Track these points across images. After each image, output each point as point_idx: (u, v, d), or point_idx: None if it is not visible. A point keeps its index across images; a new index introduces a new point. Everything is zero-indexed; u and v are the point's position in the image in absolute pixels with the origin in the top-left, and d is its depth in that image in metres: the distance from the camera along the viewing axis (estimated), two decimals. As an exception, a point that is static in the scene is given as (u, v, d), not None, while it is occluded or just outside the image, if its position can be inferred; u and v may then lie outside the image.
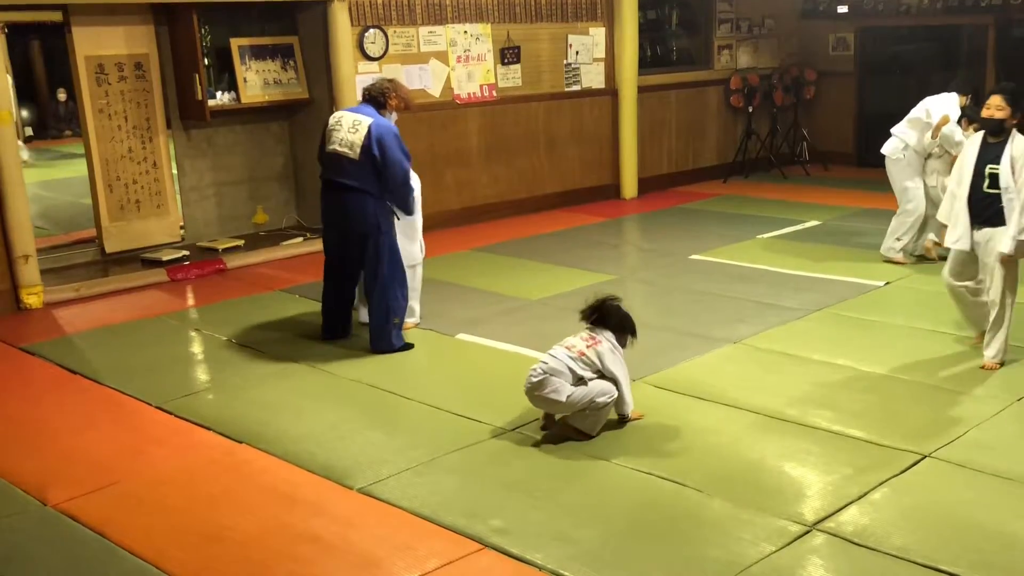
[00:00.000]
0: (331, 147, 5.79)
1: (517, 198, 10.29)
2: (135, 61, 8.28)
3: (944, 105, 7.33)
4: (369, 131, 5.67)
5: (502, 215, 10.08)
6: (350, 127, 5.74)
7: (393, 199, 5.81)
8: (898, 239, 7.56)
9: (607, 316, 4.72)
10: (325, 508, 4.06)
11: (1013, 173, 5.11)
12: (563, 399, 4.51)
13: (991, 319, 5.34)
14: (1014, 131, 5.22)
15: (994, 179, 5.16)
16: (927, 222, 7.50)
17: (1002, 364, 5.34)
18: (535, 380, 4.56)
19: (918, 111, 7.45)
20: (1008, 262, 5.23)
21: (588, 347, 4.61)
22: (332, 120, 5.89)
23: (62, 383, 5.71)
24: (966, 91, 7.42)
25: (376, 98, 5.84)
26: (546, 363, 4.58)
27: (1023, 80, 11.29)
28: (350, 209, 5.80)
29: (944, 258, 5.68)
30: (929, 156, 7.45)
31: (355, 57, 8.89)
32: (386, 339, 5.90)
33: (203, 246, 8.76)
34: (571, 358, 4.57)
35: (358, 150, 5.68)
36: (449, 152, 9.68)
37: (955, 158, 7.14)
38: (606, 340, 4.66)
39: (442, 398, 5.18)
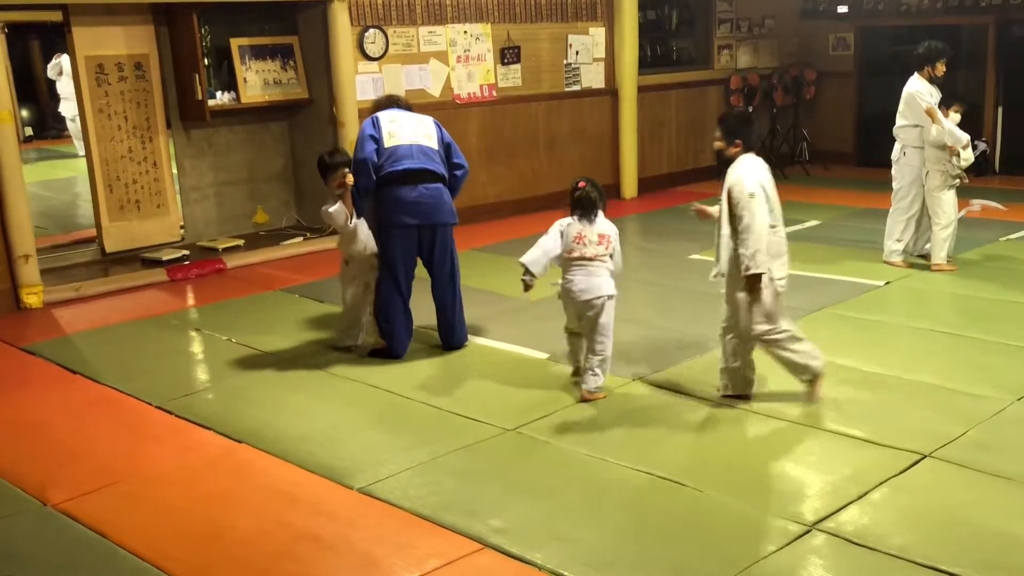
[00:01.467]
0: (404, 140, 5.65)
1: (517, 198, 10.29)
2: (135, 61, 8.29)
3: (911, 87, 7.34)
4: (436, 125, 5.85)
5: (502, 215, 10.08)
6: (416, 123, 5.77)
7: (454, 193, 5.90)
8: (897, 240, 7.56)
9: (599, 197, 5.16)
10: (325, 508, 4.06)
11: (729, 203, 4.70)
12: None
13: (724, 351, 4.93)
14: (739, 159, 4.76)
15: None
16: (922, 220, 7.51)
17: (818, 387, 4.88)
18: (604, 319, 5.02)
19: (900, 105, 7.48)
20: (743, 297, 4.78)
21: (607, 245, 5.09)
22: (386, 118, 5.72)
23: (62, 383, 5.71)
24: (927, 61, 7.36)
25: (411, 107, 5.96)
26: (603, 293, 5.00)
27: (1023, 80, 11.38)
28: (440, 198, 5.70)
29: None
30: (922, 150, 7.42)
31: (355, 57, 8.89)
32: (464, 332, 6.04)
33: (203, 246, 8.76)
34: (607, 269, 5.06)
35: (435, 142, 5.77)
36: (449, 152, 9.68)
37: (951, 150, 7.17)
38: (602, 220, 5.15)
39: (442, 398, 5.18)
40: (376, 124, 5.70)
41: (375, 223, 5.76)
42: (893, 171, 7.61)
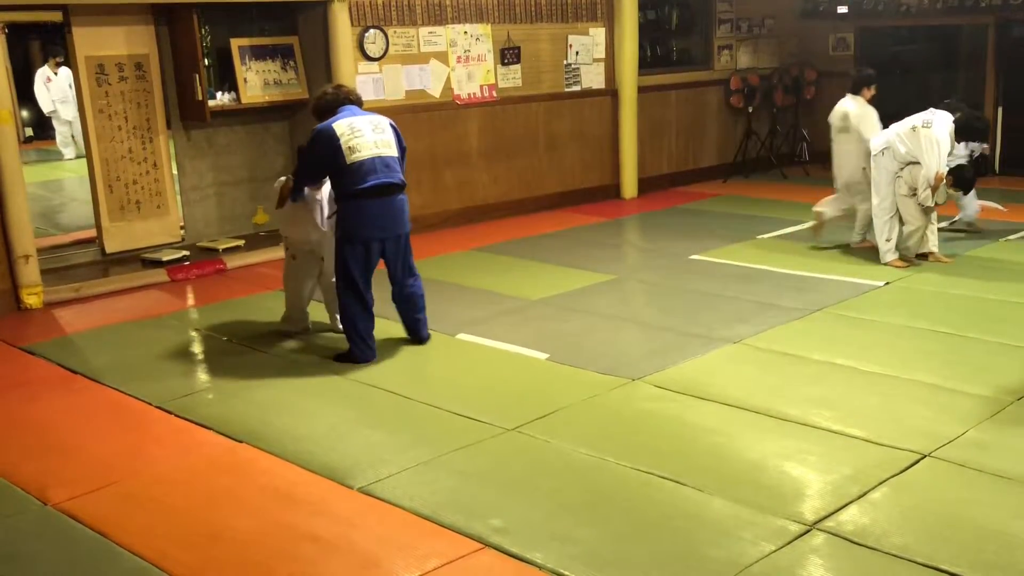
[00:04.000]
0: (367, 153, 5.56)
1: (517, 198, 10.29)
2: (135, 61, 8.29)
3: (942, 137, 7.15)
4: (393, 128, 5.79)
5: (502, 215, 10.08)
6: (373, 129, 5.66)
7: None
8: (887, 240, 7.55)
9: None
10: (325, 508, 4.06)
11: None
12: None
13: None
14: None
15: None
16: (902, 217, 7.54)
17: None
18: None
19: (915, 121, 7.34)
20: None
21: None
22: (342, 130, 5.57)
23: (62, 383, 5.71)
24: (970, 135, 7.32)
25: (359, 101, 5.86)
26: None
27: (1023, 80, 11.38)
28: (402, 209, 5.74)
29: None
30: (906, 165, 7.41)
31: (355, 57, 8.90)
32: (426, 327, 6.08)
33: (203, 246, 8.76)
34: None
35: (395, 148, 5.73)
36: (449, 152, 9.69)
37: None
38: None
39: (442, 398, 5.18)
40: (334, 138, 5.54)
41: (339, 234, 5.71)
42: (871, 163, 7.60)
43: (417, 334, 6.06)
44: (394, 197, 5.67)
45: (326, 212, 6.02)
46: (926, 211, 7.38)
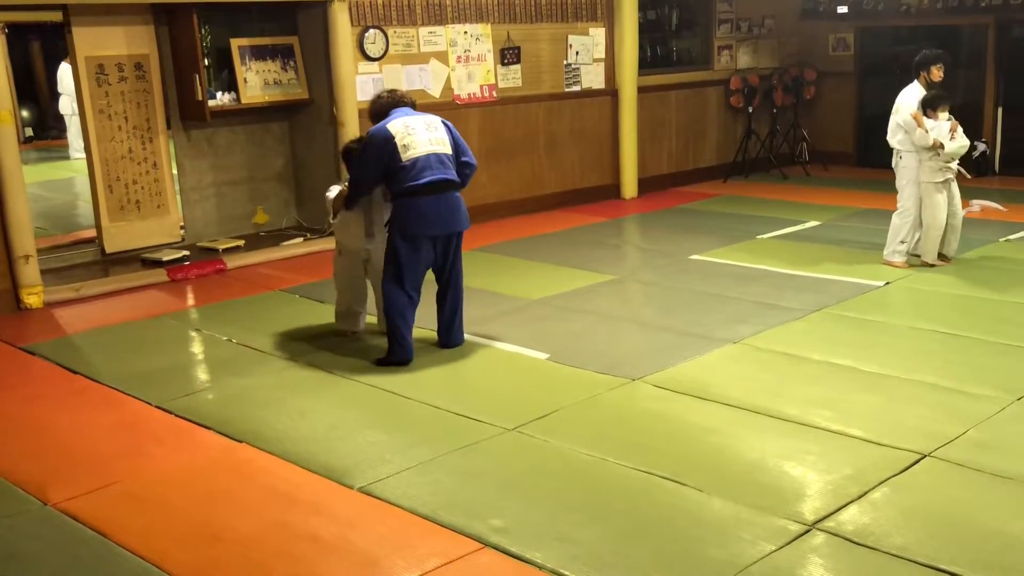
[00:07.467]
0: (422, 150, 5.57)
1: (517, 198, 10.29)
2: (135, 61, 8.29)
3: (908, 96, 7.39)
4: (446, 126, 5.79)
5: (502, 215, 10.08)
6: (426, 127, 5.68)
7: (462, 186, 5.87)
8: (901, 241, 7.53)
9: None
10: (325, 508, 4.06)
11: None
12: None
13: None
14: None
15: None
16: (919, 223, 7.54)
17: None
18: None
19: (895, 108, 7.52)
20: None
21: None
22: (397, 130, 5.60)
23: (62, 383, 5.71)
24: (921, 67, 7.51)
25: (415, 104, 5.90)
26: None
27: (1023, 80, 11.38)
28: (458, 206, 5.74)
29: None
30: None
31: (355, 57, 8.89)
32: (460, 332, 6.00)
33: (203, 246, 8.77)
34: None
35: (449, 145, 5.73)
36: (449, 152, 9.68)
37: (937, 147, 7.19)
38: None
39: (442, 397, 5.18)
40: (390, 140, 5.57)
41: (393, 231, 5.68)
42: (894, 165, 7.65)
43: (446, 338, 5.98)
44: (449, 194, 5.66)
45: (385, 216, 5.86)
46: (946, 166, 7.31)
